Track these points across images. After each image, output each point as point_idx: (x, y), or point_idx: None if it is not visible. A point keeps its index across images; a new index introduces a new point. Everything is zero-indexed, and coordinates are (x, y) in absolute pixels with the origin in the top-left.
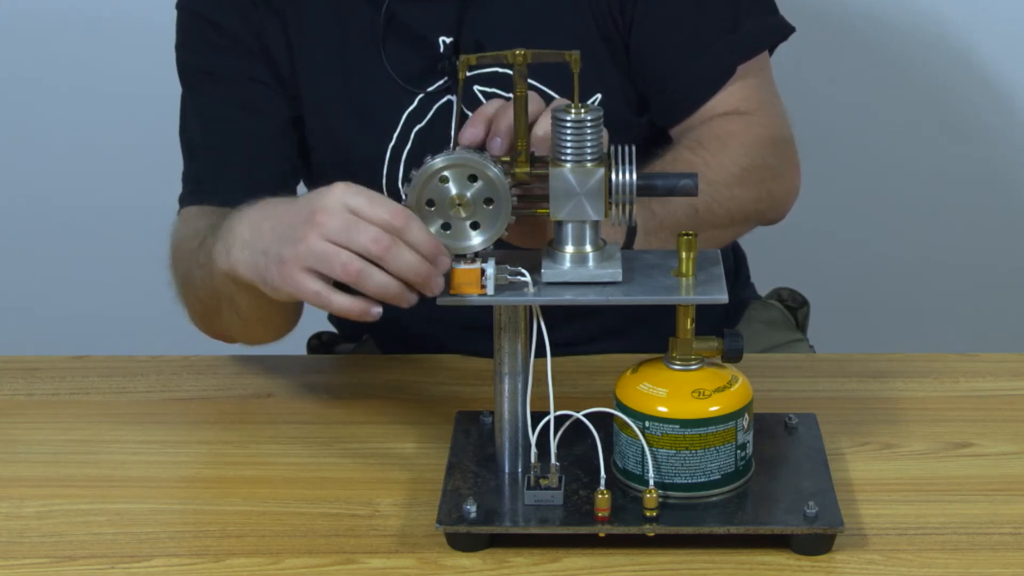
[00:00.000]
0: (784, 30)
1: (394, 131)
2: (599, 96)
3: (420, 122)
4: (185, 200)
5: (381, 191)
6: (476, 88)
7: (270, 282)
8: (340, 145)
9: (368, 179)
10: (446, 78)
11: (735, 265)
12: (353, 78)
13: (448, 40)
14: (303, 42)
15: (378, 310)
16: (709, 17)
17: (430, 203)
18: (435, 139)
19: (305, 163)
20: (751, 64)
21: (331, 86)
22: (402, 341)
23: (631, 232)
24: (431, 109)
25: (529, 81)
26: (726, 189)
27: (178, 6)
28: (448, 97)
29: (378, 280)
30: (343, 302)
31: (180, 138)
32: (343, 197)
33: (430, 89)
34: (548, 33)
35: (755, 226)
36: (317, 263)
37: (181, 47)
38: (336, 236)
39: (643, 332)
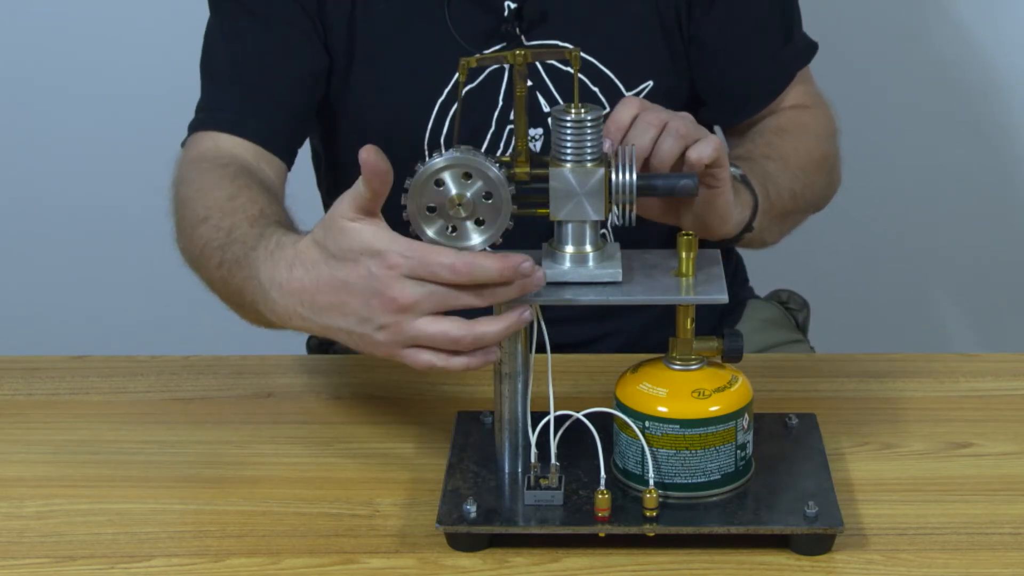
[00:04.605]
0: (816, 44)
1: (444, 88)
2: (651, 83)
3: (472, 83)
4: (198, 124)
5: (422, 146)
6: (538, 63)
7: (366, 353)
8: (387, 95)
9: (411, 132)
10: (505, 43)
11: (733, 265)
12: (412, 30)
13: (513, 6)
14: None
15: (496, 355)
16: (772, 27)
17: (431, 209)
18: (484, 101)
19: (321, 119)
20: (799, 77)
21: (388, 35)
22: None
23: (754, 211)
24: (484, 71)
25: (586, 58)
26: (811, 175)
27: None
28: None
29: (496, 331)
30: (461, 363)
31: (201, 66)
32: (398, 268)
33: (487, 52)
34: (610, 14)
35: (804, 220)
36: (429, 343)
37: None
38: (434, 310)
39: (645, 314)
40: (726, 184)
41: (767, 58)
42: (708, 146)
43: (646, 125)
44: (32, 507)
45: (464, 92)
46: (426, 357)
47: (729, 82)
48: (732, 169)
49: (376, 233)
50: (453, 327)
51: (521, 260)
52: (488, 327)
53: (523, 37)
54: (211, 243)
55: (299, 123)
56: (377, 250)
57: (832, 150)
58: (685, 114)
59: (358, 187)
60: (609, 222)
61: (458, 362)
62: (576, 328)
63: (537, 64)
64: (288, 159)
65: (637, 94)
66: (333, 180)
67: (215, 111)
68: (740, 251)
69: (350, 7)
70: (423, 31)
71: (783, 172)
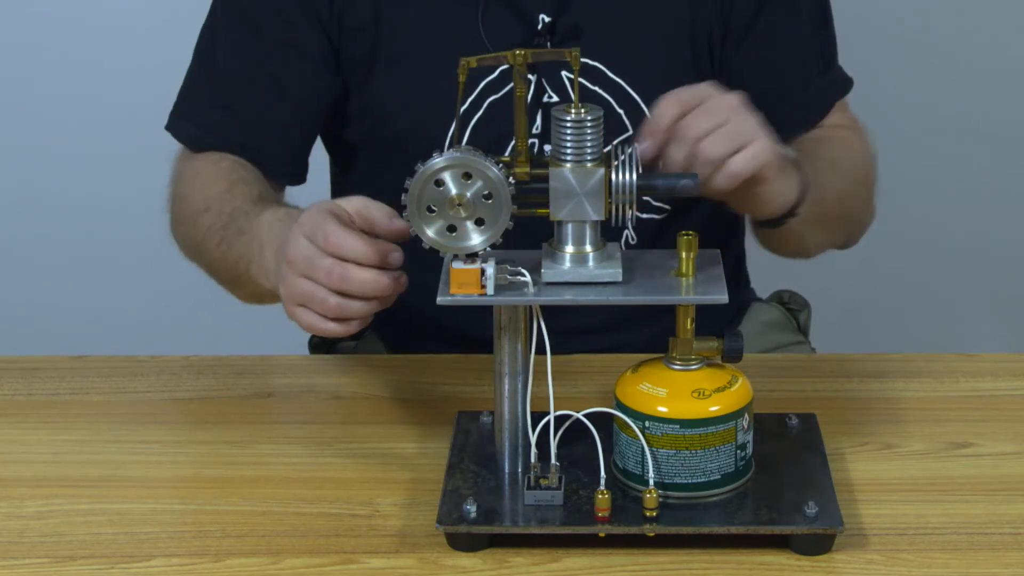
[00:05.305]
0: (851, 80)
1: (469, 95)
2: None
3: (496, 93)
4: (190, 140)
5: (441, 150)
6: (564, 74)
7: (289, 317)
8: (410, 98)
9: (431, 136)
10: None
11: (735, 267)
12: (442, 35)
13: (548, 19)
14: None
15: (356, 327)
16: (812, 56)
17: (431, 209)
18: (507, 112)
19: (334, 124)
20: (838, 106)
21: (416, 38)
22: (405, 330)
23: (801, 195)
24: (510, 82)
25: (613, 77)
26: (855, 185)
27: None
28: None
29: (356, 308)
30: (334, 328)
31: (199, 54)
32: (304, 228)
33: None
34: (644, 35)
35: (842, 242)
36: (305, 302)
37: None
38: (306, 273)
39: (649, 328)
40: (769, 181)
41: (806, 85)
42: (746, 162)
43: (697, 124)
44: (32, 507)
45: (487, 102)
46: (309, 318)
47: (766, 109)
48: (788, 151)
49: (322, 201)
50: (320, 290)
51: (391, 250)
52: (350, 302)
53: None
54: (213, 227)
55: (299, 151)
56: (307, 212)
57: (873, 171)
58: (740, 107)
59: (377, 214)
60: (623, 240)
61: (331, 326)
62: (582, 340)
63: (565, 80)
64: (294, 182)
65: None
66: (345, 167)
67: (211, 132)
68: (744, 253)
69: (375, 8)
70: (453, 37)
71: (831, 172)
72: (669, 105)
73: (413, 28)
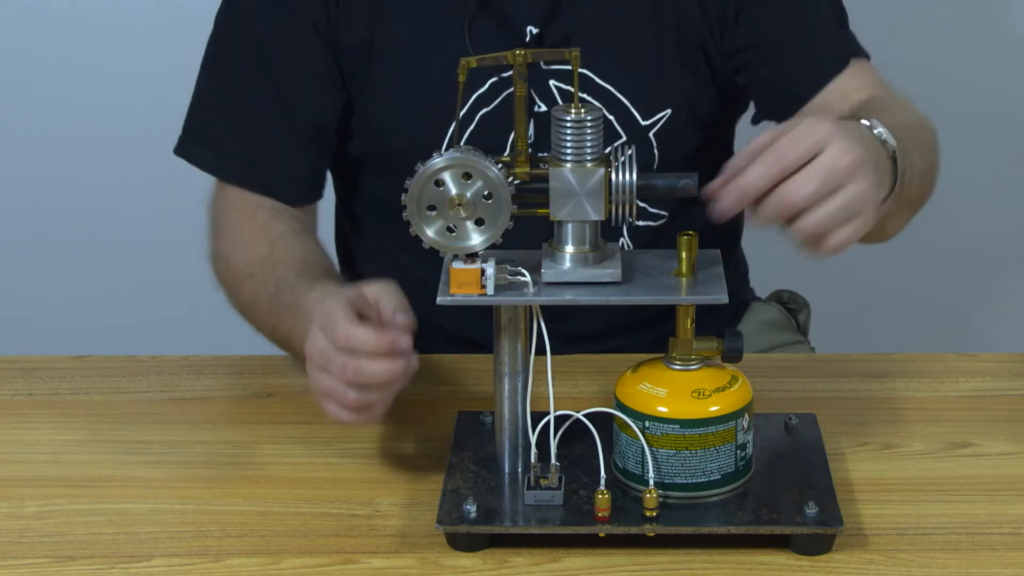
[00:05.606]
0: (868, 54)
1: (463, 106)
2: (668, 112)
3: (487, 106)
4: (211, 166)
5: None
6: (552, 83)
7: None
8: (405, 113)
9: (428, 148)
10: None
11: (734, 267)
12: (432, 51)
13: (535, 30)
14: (387, 6)
15: (382, 412)
16: (821, 11)
17: (431, 208)
18: (498, 124)
19: (343, 140)
20: (864, 65)
21: (407, 54)
22: None
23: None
24: (500, 95)
25: (602, 84)
26: (929, 157)
27: None
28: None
29: (375, 398)
30: (358, 419)
31: (204, 81)
32: (319, 321)
33: (504, 75)
34: (632, 41)
35: (912, 216)
36: (327, 394)
37: (234, 10)
38: (324, 367)
39: (649, 333)
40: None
41: (813, 42)
42: (846, 239)
43: (799, 189)
44: (32, 507)
45: (479, 115)
46: (333, 410)
47: (774, 72)
48: (890, 141)
49: (343, 290)
50: (339, 385)
51: (398, 338)
52: (369, 394)
53: (542, 63)
54: (259, 296)
55: (314, 165)
56: (324, 303)
57: (936, 137)
58: (858, 168)
59: (385, 304)
60: (621, 244)
61: (356, 418)
62: (582, 346)
63: (553, 89)
64: (314, 199)
65: (654, 123)
66: (346, 180)
67: (226, 155)
68: (743, 252)
69: (368, 25)
70: (445, 50)
71: (916, 153)
72: (761, 164)
73: (405, 42)
